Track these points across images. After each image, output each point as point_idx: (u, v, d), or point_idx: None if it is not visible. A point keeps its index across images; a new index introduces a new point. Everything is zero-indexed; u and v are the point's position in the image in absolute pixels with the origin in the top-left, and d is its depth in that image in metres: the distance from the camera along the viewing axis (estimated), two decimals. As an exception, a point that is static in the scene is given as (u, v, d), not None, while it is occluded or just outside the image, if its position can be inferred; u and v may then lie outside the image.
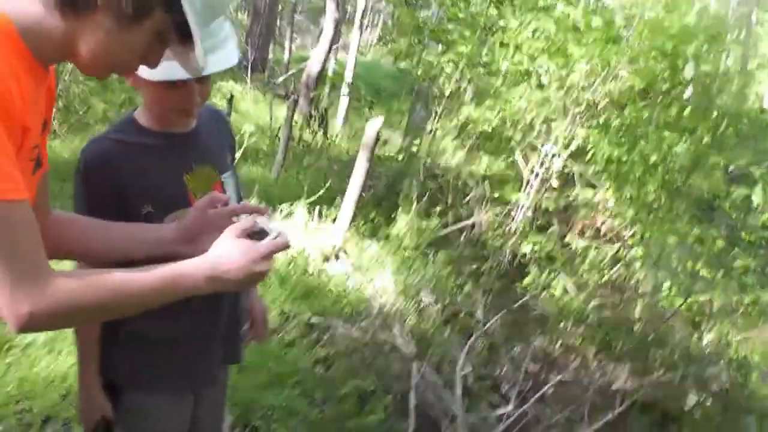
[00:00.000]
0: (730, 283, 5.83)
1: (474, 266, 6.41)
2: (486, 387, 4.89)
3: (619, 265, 5.96)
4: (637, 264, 5.87)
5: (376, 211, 6.73)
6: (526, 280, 6.09)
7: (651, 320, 5.87)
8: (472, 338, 4.99)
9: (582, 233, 6.21)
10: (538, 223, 6.37)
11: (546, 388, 4.42)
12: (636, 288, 5.89)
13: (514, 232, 6.39)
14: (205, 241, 1.62)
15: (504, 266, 6.46)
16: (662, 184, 5.33)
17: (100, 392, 1.96)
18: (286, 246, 1.45)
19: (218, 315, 2.03)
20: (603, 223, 5.94)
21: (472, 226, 6.78)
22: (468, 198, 6.93)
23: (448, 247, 6.57)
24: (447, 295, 5.93)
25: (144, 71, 1.66)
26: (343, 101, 10.01)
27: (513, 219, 6.51)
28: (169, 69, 1.61)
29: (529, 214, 6.30)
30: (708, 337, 6.02)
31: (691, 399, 5.69)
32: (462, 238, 6.75)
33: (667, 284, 5.61)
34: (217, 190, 1.97)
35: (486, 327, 5.21)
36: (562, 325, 5.87)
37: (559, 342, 5.82)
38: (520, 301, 5.45)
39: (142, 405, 1.99)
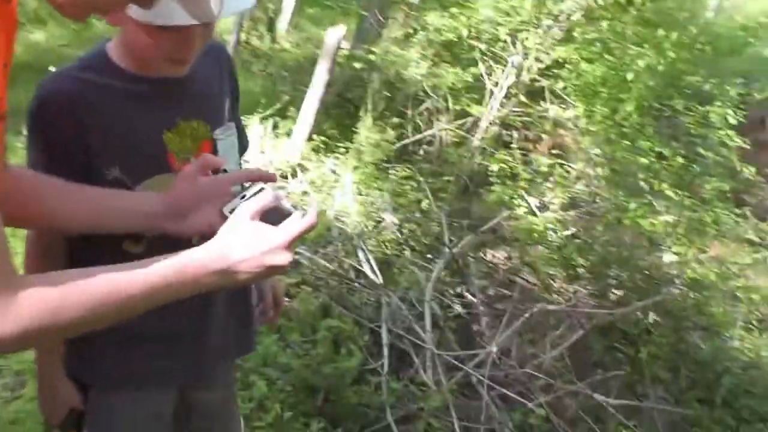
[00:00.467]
0: (695, 203, 5.76)
1: (433, 183, 6.18)
2: (453, 317, 4.75)
3: (584, 184, 5.81)
4: (603, 183, 5.73)
5: (332, 123, 6.40)
6: (491, 197, 5.90)
7: (614, 240, 5.78)
8: (440, 265, 4.82)
9: (549, 151, 6.02)
10: (504, 139, 6.14)
11: (518, 323, 4.29)
12: (600, 208, 5.77)
13: (477, 148, 6.16)
14: (198, 217, 1.34)
15: (465, 183, 6.26)
16: (638, 102, 5.13)
17: (66, 382, 1.66)
18: (312, 227, 1.17)
19: (210, 306, 1.71)
20: (571, 141, 5.75)
21: (431, 141, 6.52)
22: (425, 109, 6.63)
23: (407, 162, 6.32)
24: (408, 214, 5.72)
25: (132, 9, 1.33)
26: (289, 3, 9.45)
27: (475, 134, 6.27)
28: (166, 10, 1.27)
29: (494, 128, 6.05)
30: (667, 257, 5.98)
31: (648, 319, 5.70)
32: (421, 152, 6.50)
33: (633, 205, 5.49)
34: (206, 151, 1.62)
35: (453, 250, 5.04)
36: (526, 245, 5.74)
37: (523, 263, 5.71)
38: (489, 224, 5.28)
39: (114, 403, 1.70)
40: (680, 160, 5.97)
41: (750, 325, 6.32)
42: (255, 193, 1.24)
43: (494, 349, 3.71)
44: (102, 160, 1.49)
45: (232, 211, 1.23)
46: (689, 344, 5.74)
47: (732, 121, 5.60)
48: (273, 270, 1.15)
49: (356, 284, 4.48)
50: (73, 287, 1.01)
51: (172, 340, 1.66)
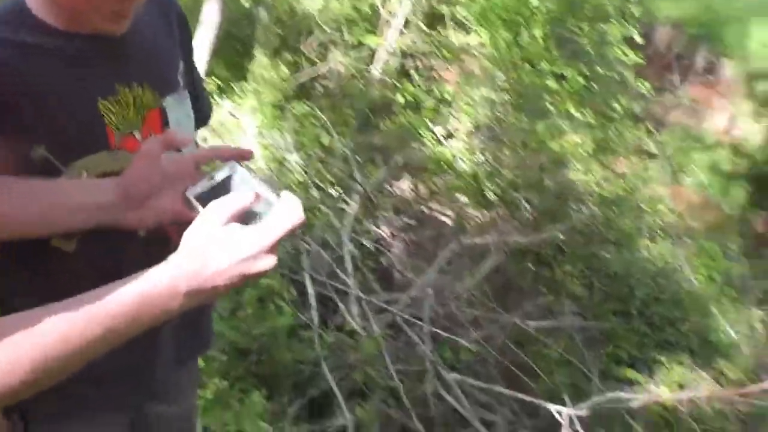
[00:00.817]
0: (600, 121, 5.78)
1: (335, 118, 5.97)
2: (370, 255, 4.63)
3: (489, 110, 5.72)
4: (509, 108, 5.67)
5: (224, 65, 6.06)
6: (395, 128, 5.75)
7: (522, 164, 5.76)
8: (354, 204, 4.66)
9: (456, 81, 5.89)
10: (406, 69, 5.96)
11: (439, 259, 4.21)
12: (507, 133, 5.71)
13: (377, 80, 5.97)
14: (160, 204, 1.13)
15: (366, 116, 6.07)
16: (543, 27, 5.03)
17: None
18: (301, 225, 0.97)
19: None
20: (475, 67, 5.63)
21: (328, 75, 6.27)
22: (320, 43, 6.36)
23: (306, 99, 6.06)
24: (311, 152, 5.51)
25: None
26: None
27: (373, 65, 6.07)
28: None
29: (395, 59, 5.86)
30: (576, 176, 6.02)
31: (560, 239, 5.74)
32: (319, 88, 6.25)
33: (540, 127, 5.46)
34: (154, 124, 1.35)
35: (365, 187, 4.89)
36: (435, 175, 5.65)
37: (434, 194, 5.64)
38: (398, 157, 5.14)
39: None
40: (581, 80, 5.96)
41: (656, 232, 6.48)
42: (226, 178, 1.04)
43: (429, 291, 3.61)
44: (25, 138, 1.20)
45: (198, 197, 1.03)
46: (601, 260, 5.84)
47: (639, 40, 5.61)
48: (255, 277, 0.96)
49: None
50: (14, 344, 0.80)
51: (121, 364, 1.42)
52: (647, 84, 6.55)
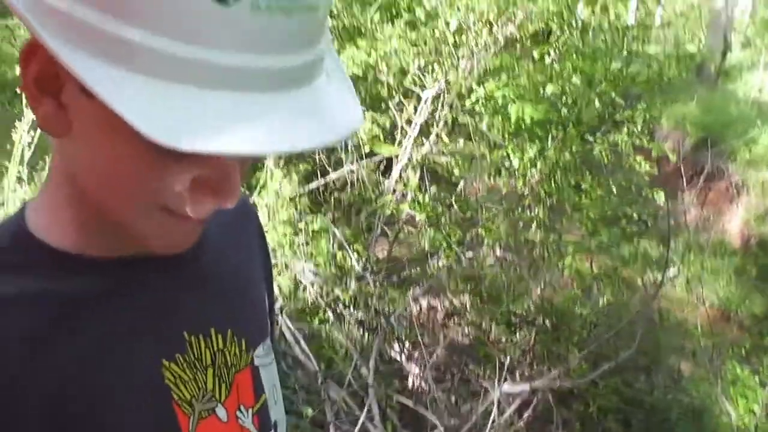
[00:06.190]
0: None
1: (348, 232, 5.57)
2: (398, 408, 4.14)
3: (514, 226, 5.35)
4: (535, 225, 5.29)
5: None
6: (423, 243, 5.36)
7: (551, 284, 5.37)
8: (377, 343, 4.21)
9: (476, 194, 5.52)
10: (425, 180, 5.57)
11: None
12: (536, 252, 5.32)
13: (394, 192, 5.59)
14: None
15: (383, 230, 5.65)
16: (574, 139, 4.70)
17: None
18: None
19: None
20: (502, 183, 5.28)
21: (343, 187, 5.91)
22: (332, 152, 6.01)
23: (317, 212, 5.66)
24: (324, 270, 5.09)
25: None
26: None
27: (389, 176, 5.71)
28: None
29: (411, 170, 5.49)
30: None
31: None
32: (332, 200, 5.88)
33: (570, 248, 5.10)
34: (245, 392, 0.89)
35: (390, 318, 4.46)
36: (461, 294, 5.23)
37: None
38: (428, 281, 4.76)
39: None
40: (599, 191, 5.61)
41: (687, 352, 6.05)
42: None
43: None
44: None
45: None
46: (636, 391, 5.40)
47: (671, 157, 5.33)
48: None
49: (289, 373, 3.85)
50: None
51: None
52: (661, 193, 6.19)
